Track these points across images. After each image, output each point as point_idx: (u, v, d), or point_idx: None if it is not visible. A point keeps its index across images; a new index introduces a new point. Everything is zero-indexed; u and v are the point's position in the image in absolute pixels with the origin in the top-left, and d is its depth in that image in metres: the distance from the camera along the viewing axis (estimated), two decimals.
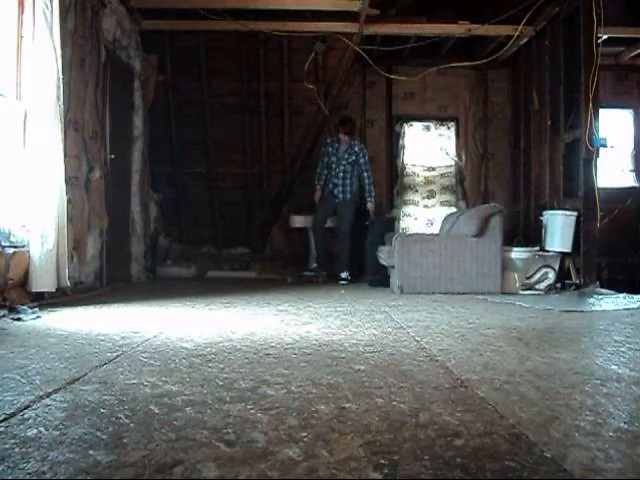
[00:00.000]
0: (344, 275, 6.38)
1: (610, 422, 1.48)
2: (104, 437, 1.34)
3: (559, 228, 5.53)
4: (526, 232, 6.69)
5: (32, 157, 3.83)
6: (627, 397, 1.74)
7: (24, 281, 3.76)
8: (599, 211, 5.30)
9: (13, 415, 1.48)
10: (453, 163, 7.78)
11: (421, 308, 4.01)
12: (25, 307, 3.45)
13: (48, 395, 1.68)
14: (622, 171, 7.42)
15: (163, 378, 1.91)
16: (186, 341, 2.61)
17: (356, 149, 6.40)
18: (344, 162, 6.35)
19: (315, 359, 2.24)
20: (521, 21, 6.20)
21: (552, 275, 5.41)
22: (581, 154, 5.39)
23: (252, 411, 1.55)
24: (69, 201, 4.16)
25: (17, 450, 1.25)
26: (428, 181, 7.78)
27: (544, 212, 5.91)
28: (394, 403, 1.64)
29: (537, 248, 5.58)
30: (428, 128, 7.82)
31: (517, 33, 6.36)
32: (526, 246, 5.72)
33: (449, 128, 7.84)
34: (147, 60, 6.41)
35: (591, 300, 4.76)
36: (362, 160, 6.38)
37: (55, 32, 3.91)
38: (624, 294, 5.01)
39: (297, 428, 1.41)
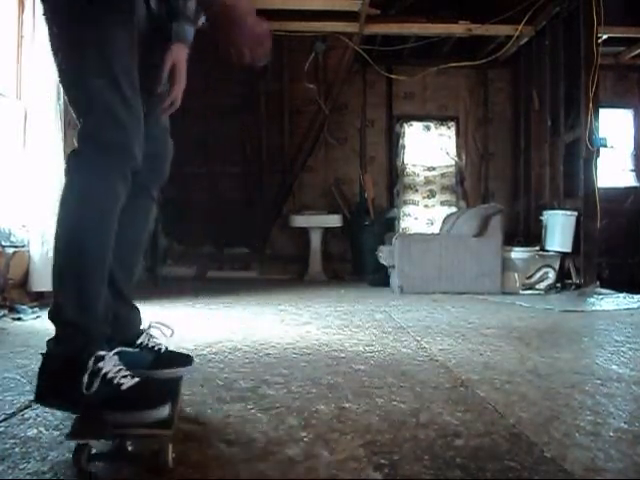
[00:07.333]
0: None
1: (610, 422, 1.48)
2: None
3: (559, 228, 5.53)
4: (526, 232, 6.69)
5: (32, 157, 3.82)
6: (627, 397, 1.74)
7: (24, 281, 3.76)
8: (599, 211, 5.30)
9: (13, 415, 1.48)
10: (453, 163, 7.77)
11: (421, 308, 4.01)
12: (25, 307, 3.45)
13: None
14: (622, 171, 7.42)
15: None
16: (186, 341, 2.61)
17: None
18: None
19: (315, 359, 2.24)
20: (521, 21, 6.20)
21: (552, 275, 5.41)
22: (581, 154, 5.39)
23: (252, 411, 1.55)
24: None
25: (17, 450, 1.25)
26: (428, 181, 7.77)
27: (544, 212, 5.91)
28: (394, 403, 1.64)
29: (537, 248, 5.58)
30: (428, 128, 7.81)
31: (517, 33, 6.36)
32: (526, 246, 5.71)
33: (449, 128, 7.83)
34: None
35: (591, 300, 4.75)
36: None
37: None
38: (624, 294, 5.00)
39: (297, 428, 1.41)
